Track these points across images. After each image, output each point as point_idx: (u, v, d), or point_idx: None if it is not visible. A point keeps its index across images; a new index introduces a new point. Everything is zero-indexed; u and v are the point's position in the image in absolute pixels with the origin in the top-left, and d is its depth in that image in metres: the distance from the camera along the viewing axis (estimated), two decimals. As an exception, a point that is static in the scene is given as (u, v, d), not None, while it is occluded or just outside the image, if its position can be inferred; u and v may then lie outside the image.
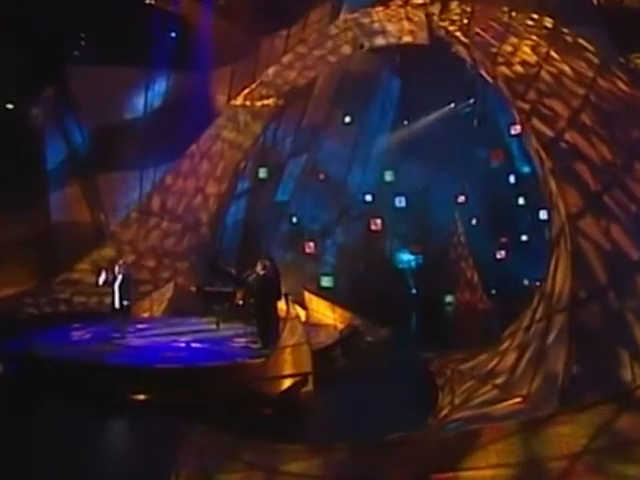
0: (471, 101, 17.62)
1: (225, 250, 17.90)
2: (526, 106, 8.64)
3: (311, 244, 17.93)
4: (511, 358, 7.13)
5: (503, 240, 19.68)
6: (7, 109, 16.76)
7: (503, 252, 19.63)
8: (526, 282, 18.92)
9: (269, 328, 10.08)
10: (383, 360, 11.25)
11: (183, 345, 10.57)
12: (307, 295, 13.40)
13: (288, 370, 8.86)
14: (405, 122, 19.19)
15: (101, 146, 17.01)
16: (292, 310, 9.62)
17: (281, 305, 10.18)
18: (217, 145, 17.22)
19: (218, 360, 9.40)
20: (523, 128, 9.48)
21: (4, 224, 15.64)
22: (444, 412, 6.88)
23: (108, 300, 14.84)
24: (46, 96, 17.34)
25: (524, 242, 19.64)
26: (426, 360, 10.48)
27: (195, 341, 10.74)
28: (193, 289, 14.55)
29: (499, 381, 6.76)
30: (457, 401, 7.32)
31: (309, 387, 8.72)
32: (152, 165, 17.05)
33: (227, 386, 8.39)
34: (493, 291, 18.87)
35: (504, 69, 9.46)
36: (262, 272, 10.55)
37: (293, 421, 7.88)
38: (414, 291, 19.69)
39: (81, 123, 17.39)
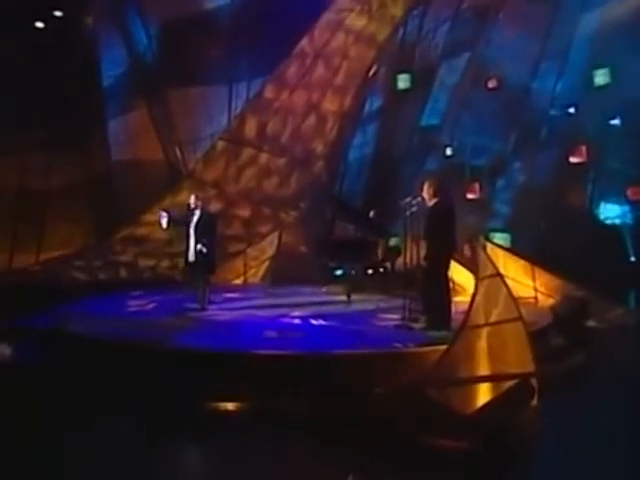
0: None
1: (347, 196, 16.76)
2: None
3: (475, 186, 16.42)
4: None
5: None
6: (54, 17, 16.31)
7: None
8: None
9: (442, 297, 8.19)
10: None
11: (298, 322, 8.91)
12: (490, 249, 11.11)
13: (487, 368, 6.66)
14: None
15: (173, 50, 16.47)
16: (488, 262, 7.22)
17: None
18: (338, 39, 16.21)
19: (361, 346, 7.50)
20: None
21: (49, 166, 15.48)
22: None
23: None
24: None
25: None
26: None
27: (316, 316, 9.10)
28: (303, 249, 14.01)
29: None
30: None
31: (534, 401, 6.58)
32: (245, 75, 16.77)
33: (381, 390, 6.73)
34: None
35: None
36: (433, 201, 8.14)
37: (513, 462, 5.84)
38: (632, 259, 17.04)
39: (145, 17, 16.89)
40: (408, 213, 8.56)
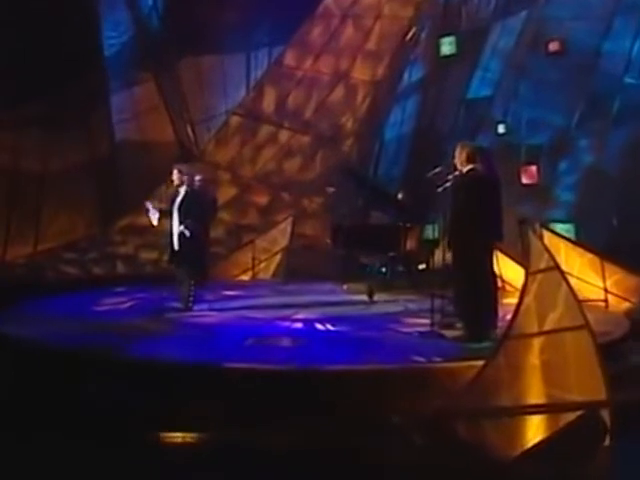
0: None
1: (383, 181, 16.04)
2: None
3: (532, 169, 15.55)
4: None
5: None
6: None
7: None
8: None
9: (482, 298, 7.21)
10: None
11: (299, 326, 8.22)
12: (548, 239, 10.49)
13: (540, 393, 5.83)
14: None
15: (182, 12, 16.09)
16: (543, 251, 6.36)
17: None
18: (369, -5, 15.59)
19: (370, 360, 6.67)
20: None
21: (47, 149, 15.31)
22: None
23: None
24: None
25: None
26: None
27: (325, 320, 8.39)
28: (328, 241, 13.18)
29: None
30: None
31: (606, 441, 5.65)
32: (266, 40, 16.47)
33: (393, 422, 5.84)
34: None
35: None
36: (468, 168, 6.97)
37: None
38: None
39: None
40: (441, 189, 7.30)
